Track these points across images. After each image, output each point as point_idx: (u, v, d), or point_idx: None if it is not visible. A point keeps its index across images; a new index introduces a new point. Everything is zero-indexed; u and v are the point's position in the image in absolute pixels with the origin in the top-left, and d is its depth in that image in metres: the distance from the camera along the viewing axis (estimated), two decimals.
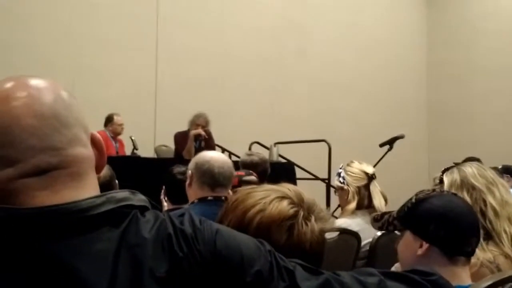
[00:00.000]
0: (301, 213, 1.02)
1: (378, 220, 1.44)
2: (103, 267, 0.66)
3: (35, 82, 0.75)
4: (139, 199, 0.75)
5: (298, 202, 1.04)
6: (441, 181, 1.74)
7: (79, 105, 0.79)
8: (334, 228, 1.09)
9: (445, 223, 1.29)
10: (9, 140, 0.69)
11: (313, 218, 1.02)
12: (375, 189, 2.53)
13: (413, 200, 1.35)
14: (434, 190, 1.41)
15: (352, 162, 2.62)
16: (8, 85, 0.73)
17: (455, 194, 1.42)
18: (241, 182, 2.43)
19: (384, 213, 1.45)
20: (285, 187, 1.08)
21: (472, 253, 1.32)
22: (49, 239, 0.66)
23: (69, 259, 0.66)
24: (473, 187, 1.65)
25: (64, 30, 5.93)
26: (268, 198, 1.04)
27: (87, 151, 0.76)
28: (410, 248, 1.33)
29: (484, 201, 1.62)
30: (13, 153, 0.69)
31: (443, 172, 1.76)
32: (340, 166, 2.65)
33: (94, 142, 0.78)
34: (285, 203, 1.03)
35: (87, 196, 0.71)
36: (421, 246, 1.30)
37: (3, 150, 0.69)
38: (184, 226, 0.73)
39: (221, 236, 0.74)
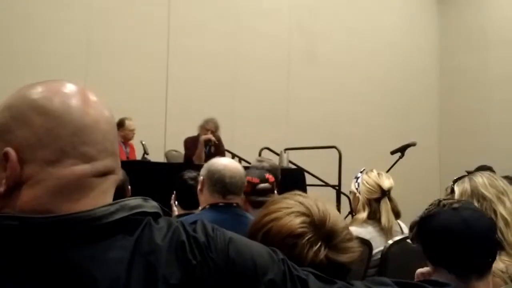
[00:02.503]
0: (309, 235, 1.01)
1: (411, 229, 1.38)
2: (117, 275, 0.67)
3: (87, 92, 0.81)
4: (152, 205, 0.76)
5: (317, 224, 1.02)
6: (452, 191, 1.72)
7: None
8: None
9: (448, 244, 1.25)
10: (90, 139, 0.74)
11: (321, 244, 1.00)
12: (385, 206, 2.42)
13: (418, 218, 1.32)
14: (448, 197, 1.38)
15: (371, 171, 2.53)
16: (75, 89, 0.78)
17: (466, 207, 1.32)
18: (255, 191, 2.41)
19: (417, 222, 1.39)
20: (316, 205, 1.07)
21: (485, 268, 1.27)
22: (63, 248, 0.66)
23: (83, 267, 0.66)
24: (484, 197, 1.63)
25: (77, 34, 5.98)
26: (289, 210, 1.05)
27: None
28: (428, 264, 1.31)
29: (495, 211, 1.59)
30: (92, 151, 0.74)
31: (454, 182, 1.74)
32: (361, 170, 2.58)
33: None
34: (299, 220, 1.02)
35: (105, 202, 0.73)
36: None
37: (84, 146, 0.73)
38: (197, 233, 0.74)
39: (234, 245, 0.75)
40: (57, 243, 0.66)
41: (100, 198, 0.73)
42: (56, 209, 0.69)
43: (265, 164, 3.16)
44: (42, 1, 5.82)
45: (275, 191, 2.52)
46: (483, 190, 1.64)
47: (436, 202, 1.33)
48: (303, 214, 1.04)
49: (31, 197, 0.70)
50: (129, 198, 0.74)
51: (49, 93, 0.75)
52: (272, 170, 2.93)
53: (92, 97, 0.79)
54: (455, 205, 1.29)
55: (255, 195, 2.41)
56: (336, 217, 1.07)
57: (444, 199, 1.33)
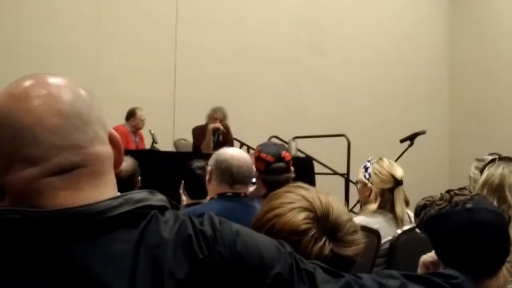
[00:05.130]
0: (313, 231, 1.00)
1: (418, 215, 1.36)
2: (122, 269, 0.66)
3: (54, 80, 0.75)
4: (159, 199, 0.75)
5: (320, 218, 1.01)
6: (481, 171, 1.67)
7: (98, 103, 0.78)
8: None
9: (462, 246, 1.23)
10: (32, 139, 0.69)
11: (326, 239, 0.99)
12: (399, 196, 2.38)
13: (433, 212, 1.28)
14: (460, 190, 1.34)
15: (382, 160, 2.46)
16: (27, 83, 0.73)
17: (480, 206, 1.27)
18: (269, 170, 2.30)
19: (424, 205, 1.35)
20: (319, 198, 1.05)
21: (498, 267, 1.25)
22: (66, 242, 0.66)
23: (87, 262, 0.65)
24: (505, 200, 1.59)
25: (87, 28, 6.01)
26: (291, 205, 1.03)
27: (107, 149, 0.76)
28: (434, 256, 1.30)
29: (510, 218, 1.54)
30: (36, 152, 0.69)
31: (490, 162, 1.69)
32: (369, 159, 2.50)
33: (111, 140, 0.78)
34: (302, 216, 1.01)
35: (108, 196, 0.71)
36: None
37: (26, 149, 0.69)
38: (204, 227, 0.73)
39: (241, 238, 0.74)
40: (59, 237, 0.66)
41: (76, 195, 0.69)
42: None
43: None
44: None
45: (292, 170, 2.37)
46: (508, 193, 1.59)
47: (448, 198, 1.29)
48: (306, 209, 1.02)
49: (9, 199, 0.70)
50: (134, 191, 0.73)
51: (0, 97, 0.72)
52: None
53: (41, 90, 0.72)
54: (469, 205, 1.24)
55: (269, 174, 2.30)
56: (340, 209, 1.05)
57: (456, 193, 1.29)
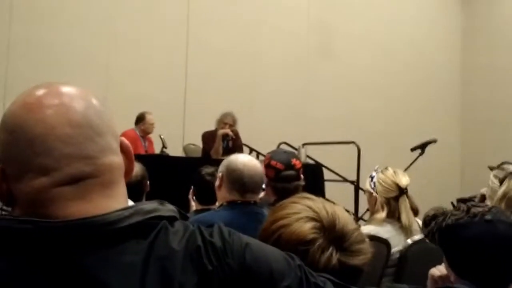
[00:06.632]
0: (320, 241, 0.99)
1: (427, 225, 1.36)
2: (131, 280, 0.66)
3: (67, 90, 0.75)
4: (168, 209, 0.75)
5: (327, 228, 1.01)
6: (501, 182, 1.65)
7: (110, 112, 0.79)
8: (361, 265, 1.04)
9: (479, 258, 1.21)
10: (44, 149, 0.69)
11: (333, 249, 0.99)
12: (404, 204, 2.37)
13: (449, 222, 1.26)
14: (470, 199, 1.33)
15: (386, 169, 2.47)
16: (40, 92, 0.73)
17: (499, 219, 1.25)
18: (279, 177, 2.29)
19: (434, 216, 1.34)
20: (325, 208, 1.05)
21: (511, 282, 1.23)
22: (76, 253, 0.66)
23: (97, 273, 0.65)
24: None
25: (98, 30, 6.05)
26: (297, 216, 1.03)
27: (118, 159, 0.76)
28: (447, 269, 1.28)
29: None
30: (48, 162, 0.69)
31: (510, 173, 1.67)
32: (375, 168, 2.51)
33: (123, 148, 0.78)
34: (308, 225, 1.01)
35: (119, 206, 0.71)
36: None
37: (38, 158, 0.69)
38: (213, 238, 0.73)
39: (250, 250, 0.73)
40: (70, 247, 0.66)
41: (86, 206, 0.69)
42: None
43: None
44: None
45: (301, 177, 2.37)
46: None
47: (465, 208, 1.27)
48: (312, 219, 1.02)
49: (22, 207, 0.71)
50: (145, 202, 0.73)
51: (14, 106, 0.73)
52: None
53: (54, 99, 0.72)
54: (488, 217, 1.23)
55: (279, 181, 2.29)
56: (346, 219, 1.05)
57: (474, 205, 1.27)
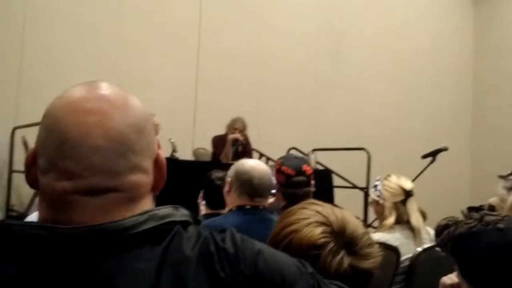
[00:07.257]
0: (331, 245, 1.00)
1: (439, 235, 1.34)
2: (145, 286, 0.66)
3: (114, 97, 0.75)
4: (182, 214, 0.75)
5: (337, 232, 1.02)
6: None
7: (151, 122, 0.79)
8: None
9: (492, 267, 1.20)
10: (73, 154, 0.69)
11: (344, 253, 0.99)
12: (412, 206, 2.41)
13: (462, 231, 1.25)
14: (481, 208, 1.32)
15: (389, 176, 2.51)
16: (86, 95, 0.73)
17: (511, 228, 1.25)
18: (290, 183, 2.31)
19: (446, 225, 1.33)
20: (334, 213, 1.05)
21: None
22: (90, 258, 0.66)
23: (111, 278, 0.66)
24: None
25: (109, 33, 6.08)
26: (307, 221, 1.04)
27: (145, 178, 0.75)
28: (459, 277, 1.27)
29: None
30: (74, 167, 0.69)
31: None
32: (377, 178, 2.55)
33: (157, 164, 0.77)
34: (319, 230, 1.01)
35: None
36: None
37: (66, 161, 0.70)
38: (226, 244, 0.73)
39: (262, 256, 0.73)
40: (84, 253, 0.66)
41: (101, 216, 0.69)
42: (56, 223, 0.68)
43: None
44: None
45: (312, 184, 2.38)
46: None
47: (478, 217, 1.26)
48: (322, 223, 1.03)
49: (42, 206, 0.73)
50: (159, 207, 0.73)
51: (58, 100, 0.73)
52: None
53: (97, 106, 0.71)
54: (501, 225, 1.22)
55: (290, 187, 2.30)
56: (355, 223, 1.06)
57: (487, 214, 1.26)
